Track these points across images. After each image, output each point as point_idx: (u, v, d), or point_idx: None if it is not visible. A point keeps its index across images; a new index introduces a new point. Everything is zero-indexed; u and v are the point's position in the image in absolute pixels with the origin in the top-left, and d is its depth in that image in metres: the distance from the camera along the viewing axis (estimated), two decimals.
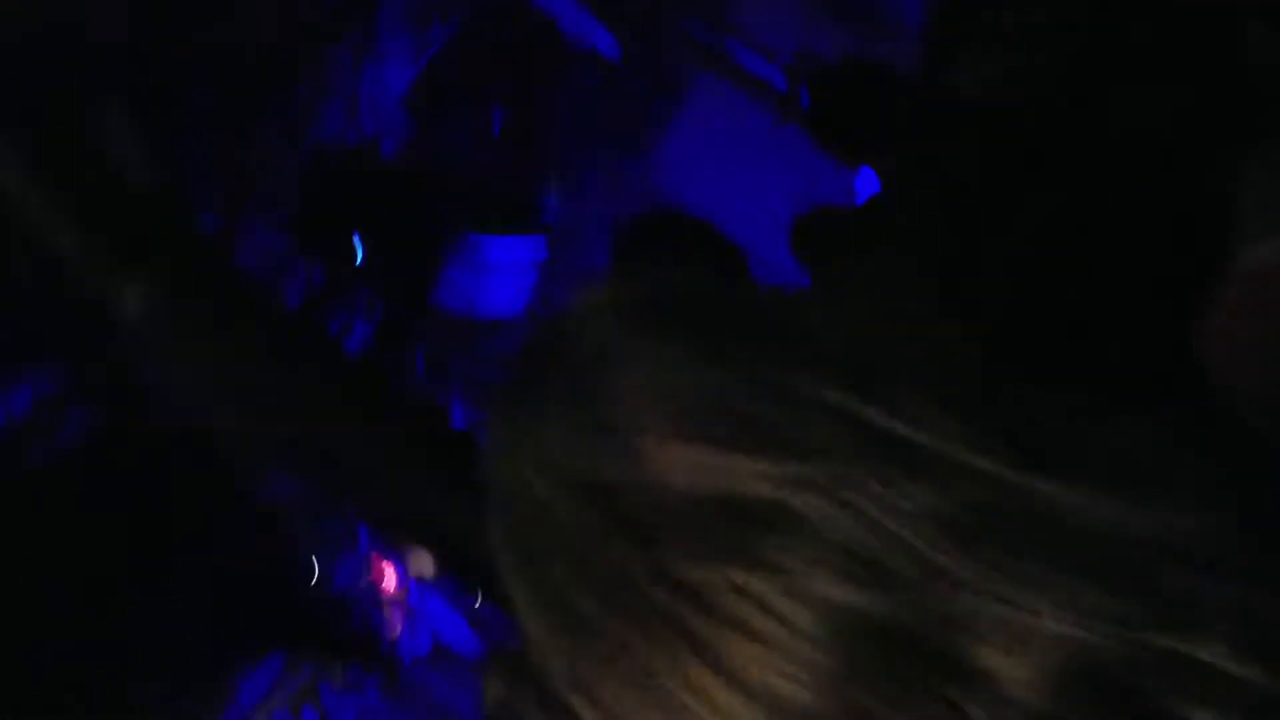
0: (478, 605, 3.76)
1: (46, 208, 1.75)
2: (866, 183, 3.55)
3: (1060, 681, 0.36)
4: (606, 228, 4.37)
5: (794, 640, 0.36)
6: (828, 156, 2.45)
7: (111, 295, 1.75)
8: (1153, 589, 0.38)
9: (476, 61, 3.63)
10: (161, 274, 1.98)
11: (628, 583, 0.38)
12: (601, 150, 4.28)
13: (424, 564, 4.29)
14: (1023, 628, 0.36)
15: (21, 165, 1.00)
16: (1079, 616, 0.37)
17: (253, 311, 1.92)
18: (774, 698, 0.36)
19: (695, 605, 0.36)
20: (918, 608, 0.36)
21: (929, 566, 0.36)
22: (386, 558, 4.30)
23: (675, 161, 4.27)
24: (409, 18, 3.07)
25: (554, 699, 0.42)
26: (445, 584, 4.10)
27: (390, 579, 4.04)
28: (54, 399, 2.22)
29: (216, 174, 2.31)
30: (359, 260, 2.67)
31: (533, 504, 0.41)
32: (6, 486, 2.27)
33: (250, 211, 2.56)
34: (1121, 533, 0.38)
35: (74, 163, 1.73)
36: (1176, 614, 0.37)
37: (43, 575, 2.29)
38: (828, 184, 2.91)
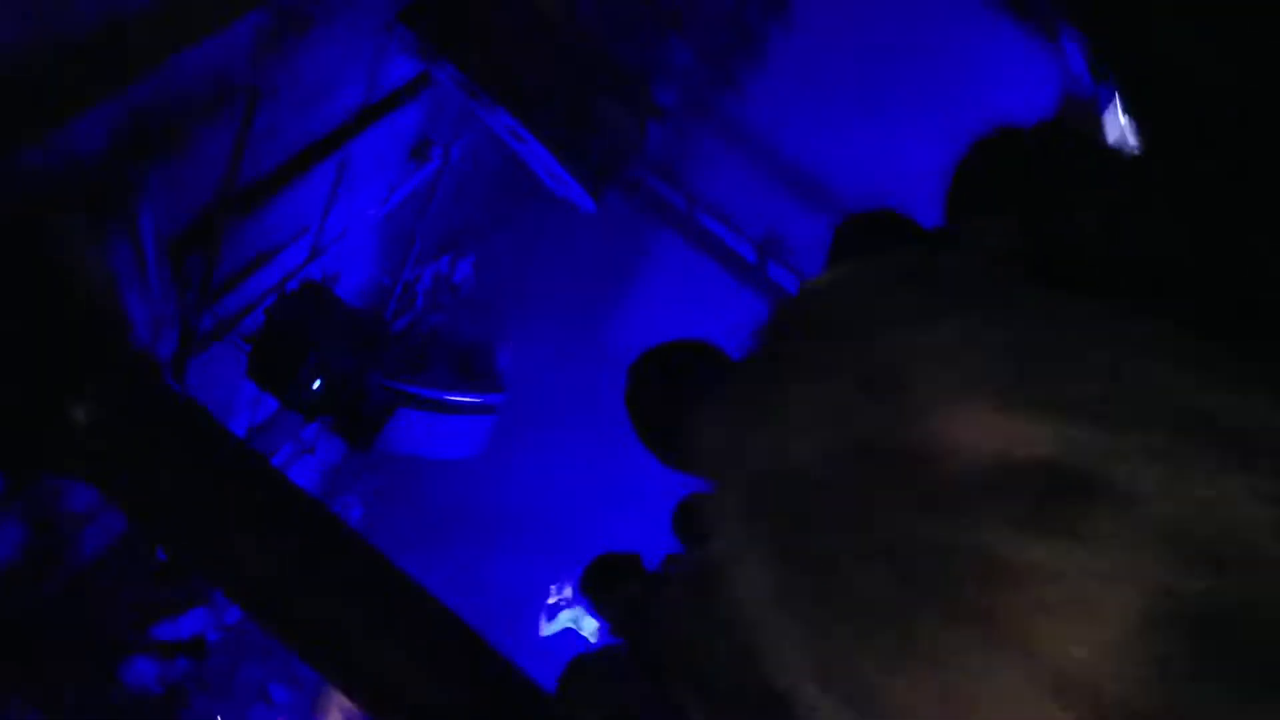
0: None
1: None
2: None
3: None
4: (561, 377, 4.37)
5: (1104, 625, 0.31)
6: None
7: (59, 409, 1.67)
8: None
9: (444, 208, 3.66)
10: (110, 391, 1.89)
11: (913, 553, 0.33)
12: (563, 303, 4.31)
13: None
14: None
15: None
16: None
17: (199, 436, 1.84)
18: (1071, 685, 0.32)
19: (991, 580, 0.32)
20: (1259, 604, 0.31)
21: (1272, 561, 0.32)
22: None
23: (636, 319, 4.31)
24: (381, 160, 3.09)
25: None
26: None
27: None
28: None
29: (178, 298, 2.26)
30: (313, 392, 2.60)
31: (790, 474, 0.36)
32: None
33: (208, 337, 2.51)
34: None
35: (35, 280, 1.68)
36: None
37: None
38: None
